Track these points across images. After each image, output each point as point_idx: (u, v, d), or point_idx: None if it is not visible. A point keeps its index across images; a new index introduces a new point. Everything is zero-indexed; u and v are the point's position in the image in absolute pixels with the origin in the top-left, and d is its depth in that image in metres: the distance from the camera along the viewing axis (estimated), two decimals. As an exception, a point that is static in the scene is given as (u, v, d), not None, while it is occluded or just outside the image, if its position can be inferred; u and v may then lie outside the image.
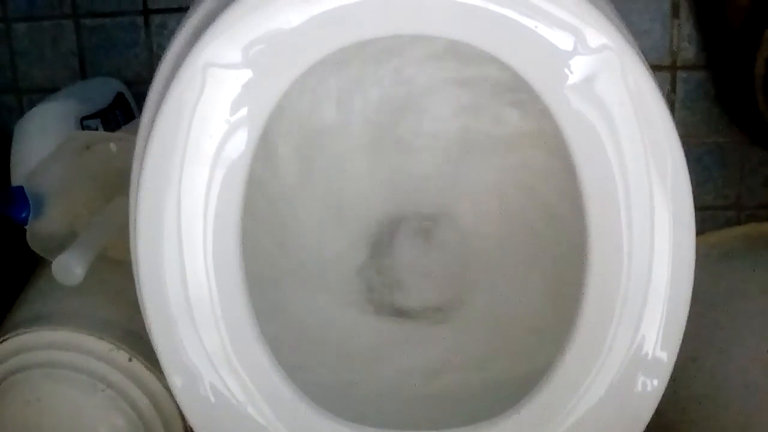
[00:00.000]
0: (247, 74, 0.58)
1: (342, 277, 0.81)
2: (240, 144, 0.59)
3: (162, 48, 1.06)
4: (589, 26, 0.57)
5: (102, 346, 0.81)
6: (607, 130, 0.57)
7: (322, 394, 0.63)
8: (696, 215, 0.60)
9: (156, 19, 1.06)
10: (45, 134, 0.91)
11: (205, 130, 0.58)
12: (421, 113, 0.80)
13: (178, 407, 0.75)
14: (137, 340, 0.81)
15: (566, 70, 0.57)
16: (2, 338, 0.82)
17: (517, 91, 0.76)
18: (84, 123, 0.96)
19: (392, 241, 0.84)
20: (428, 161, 0.81)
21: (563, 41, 0.57)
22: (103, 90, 1.03)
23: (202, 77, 0.58)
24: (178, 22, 0.66)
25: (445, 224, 0.83)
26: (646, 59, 0.60)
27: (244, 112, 0.58)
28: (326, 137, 0.80)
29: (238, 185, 0.59)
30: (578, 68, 0.57)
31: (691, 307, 0.60)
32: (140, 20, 1.07)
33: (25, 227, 0.85)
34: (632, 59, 0.57)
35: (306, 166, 0.80)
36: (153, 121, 0.59)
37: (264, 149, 0.60)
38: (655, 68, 0.60)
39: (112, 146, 0.87)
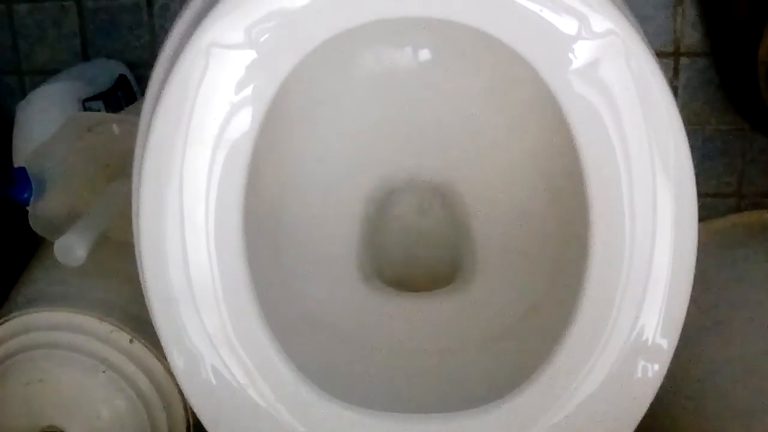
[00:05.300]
0: (250, 55, 0.58)
1: (344, 253, 0.81)
2: (243, 125, 0.59)
3: (164, 30, 1.05)
4: (594, 11, 0.57)
5: (103, 327, 0.82)
6: (611, 114, 0.58)
7: (323, 376, 0.64)
8: (697, 202, 0.60)
9: (159, 1, 1.06)
10: (47, 115, 0.91)
11: (208, 110, 0.58)
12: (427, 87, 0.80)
13: (178, 389, 0.75)
14: (138, 322, 0.81)
15: (570, 55, 0.57)
16: (4, 319, 0.83)
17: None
18: (86, 104, 0.96)
19: (394, 213, 0.85)
20: (431, 134, 0.81)
21: (568, 25, 0.57)
22: (105, 72, 1.03)
23: (206, 57, 0.58)
24: (181, 5, 0.66)
25: (446, 197, 0.83)
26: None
27: (247, 92, 0.58)
28: (324, 110, 0.80)
29: (241, 166, 0.59)
30: (582, 53, 0.57)
31: (691, 294, 0.61)
32: (143, 2, 1.06)
33: (27, 208, 0.85)
34: (637, 44, 0.57)
35: (309, 137, 0.80)
36: (156, 101, 0.59)
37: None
38: (658, 55, 0.60)
39: (114, 128, 0.87)
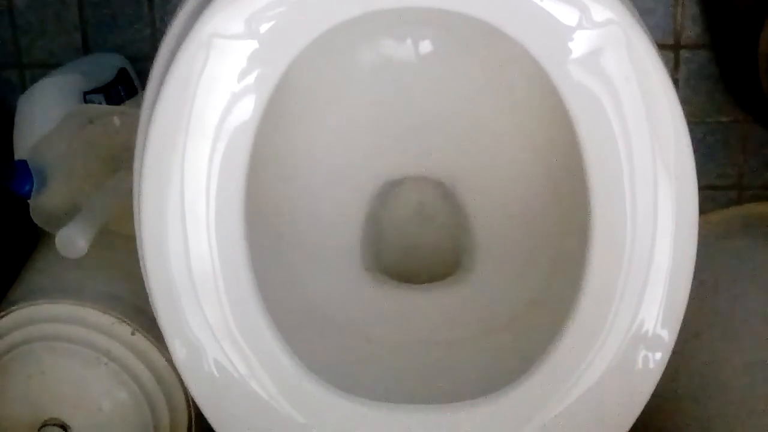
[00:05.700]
0: (252, 45, 0.58)
1: (345, 245, 0.81)
2: (244, 115, 0.59)
3: (165, 24, 1.05)
4: (595, 1, 0.57)
5: (105, 319, 0.82)
6: (612, 104, 0.58)
7: (324, 367, 0.64)
8: (698, 194, 0.60)
9: (159, -6, 1.06)
10: (48, 108, 0.91)
11: (209, 101, 0.58)
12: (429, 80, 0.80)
13: (180, 381, 0.75)
14: (140, 314, 0.81)
15: (571, 44, 0.57)
16: (6, 311, 0.83)
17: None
18: (87, 98, 0.95)
19: (395, 206, 0.85)
20: (432, 127, 0.81)
21: (568, 15, 0.57)
22: (106, 65, 1.03)
23: (207, 48, 0.58)
24: (182, -1, 0.66)
25: (447, 190, 0.83)
26: (650, 38, 0.60)
27: (248, 82, 0.58)
28: (325, 103, 0.80)
29: (242, 157, 0.59)
30: (583, 42, 0.57)
31: (691, 285, 0.61)
32: (143, -5, 1.07)
33: (29, 201, 0.85)
34: (638, 34, 0.57)
35: (310, 129, 0.80)
36: (157, 93, 0.59)
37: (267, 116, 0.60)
38: (658, 47, 0.60)
39: (116, 120, 0.87)
